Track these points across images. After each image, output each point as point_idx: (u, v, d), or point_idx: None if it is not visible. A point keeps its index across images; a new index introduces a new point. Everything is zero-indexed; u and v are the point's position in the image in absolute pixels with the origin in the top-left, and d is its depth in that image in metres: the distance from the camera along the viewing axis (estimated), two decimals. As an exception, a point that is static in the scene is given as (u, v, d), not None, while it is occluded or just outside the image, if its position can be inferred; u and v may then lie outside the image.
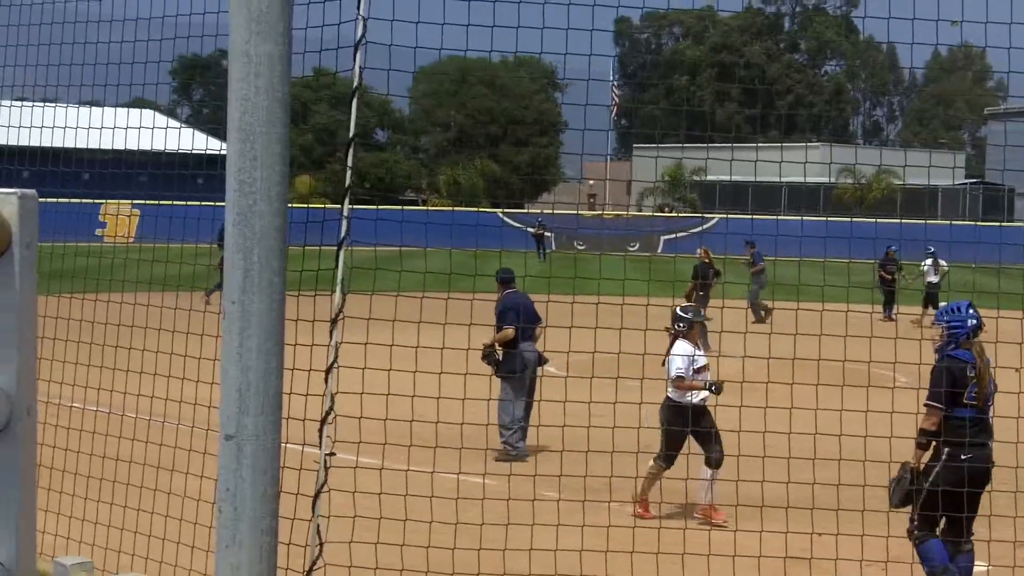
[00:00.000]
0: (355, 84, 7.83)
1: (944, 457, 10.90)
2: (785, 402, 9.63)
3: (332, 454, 7.97)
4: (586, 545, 9.72)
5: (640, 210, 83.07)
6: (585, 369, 9.88)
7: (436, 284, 10.36)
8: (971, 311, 11.23)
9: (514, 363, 17.06)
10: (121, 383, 10.68)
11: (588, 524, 9.94)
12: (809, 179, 71.46)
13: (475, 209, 69.17)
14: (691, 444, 13.40)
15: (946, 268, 36.16)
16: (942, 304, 33.37)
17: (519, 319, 17.13)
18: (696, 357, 13.99)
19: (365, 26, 7.74)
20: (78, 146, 12.08)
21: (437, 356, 9.16)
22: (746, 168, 11.70)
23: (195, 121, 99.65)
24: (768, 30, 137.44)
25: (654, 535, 9.97)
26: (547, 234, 66.56)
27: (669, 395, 13.77)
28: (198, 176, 13.40)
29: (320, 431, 7.85)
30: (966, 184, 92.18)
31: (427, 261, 9.87)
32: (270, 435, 4.27)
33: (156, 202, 12.86)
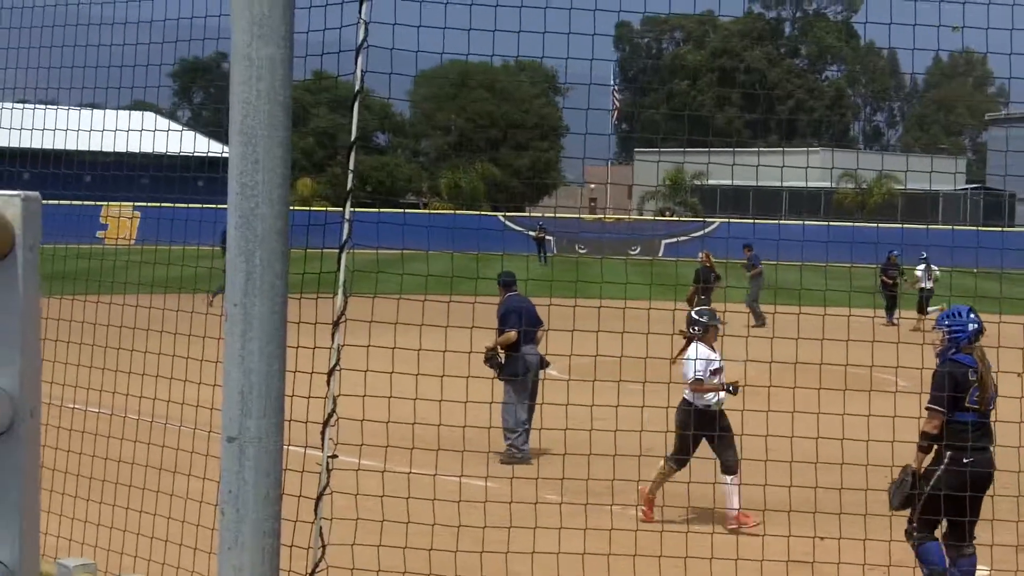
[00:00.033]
0: (357, 88, 7.83)
1: (946, 461, 10.90)
2: (787, 406, 9.62)
3: (334, 456, 7.96)
4: (588, 548, 9.72)
5: (641, 214, 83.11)
6: (587, 372, 9.87)
7: (438, 287, 10.37)
8: (972, 315, 11.23)
9: (516, 366, 17.06)
10: (123, 385, 10.68)
11: (590, 527, 9.94)
12: (810, 184, 71.51)
13: (477, 212, 69.24)
14: (703, 448, 13.40)
15: (938, 273, 36.26)
16: (931, 309, 33.11)
17: (521, 322, 17.14)
18: (712, 360, 14.01)
19: (367, 30, 7.74)
20: (79, 148, 12.07)
21: (439, 359, 9.16)
22: (747, 172, 11.68)
23: (195, 124, 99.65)
24: (769, 35, 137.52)
25: (656, 538, 9.97)
26: (548, 238, 66.62)
27: (686, 398, 13.78)
28: (199, 179, 13.40)
29: (322, 433, 7.84)
30: (967, 189, 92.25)
31: (429, 264, 9.85)
32: (272, 437, 4.27)
33: (157, 204, 12.85)
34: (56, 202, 11.73)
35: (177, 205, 12.56)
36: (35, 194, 2.92)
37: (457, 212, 67.12)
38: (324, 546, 7.88)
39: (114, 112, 12.15)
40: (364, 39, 7.69)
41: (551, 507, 10.39)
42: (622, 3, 9.46)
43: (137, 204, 17.49)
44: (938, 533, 11.21)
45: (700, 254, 33.62)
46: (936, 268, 36.38)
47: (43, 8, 10.80)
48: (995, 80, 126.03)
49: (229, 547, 4.26)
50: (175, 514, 9.76)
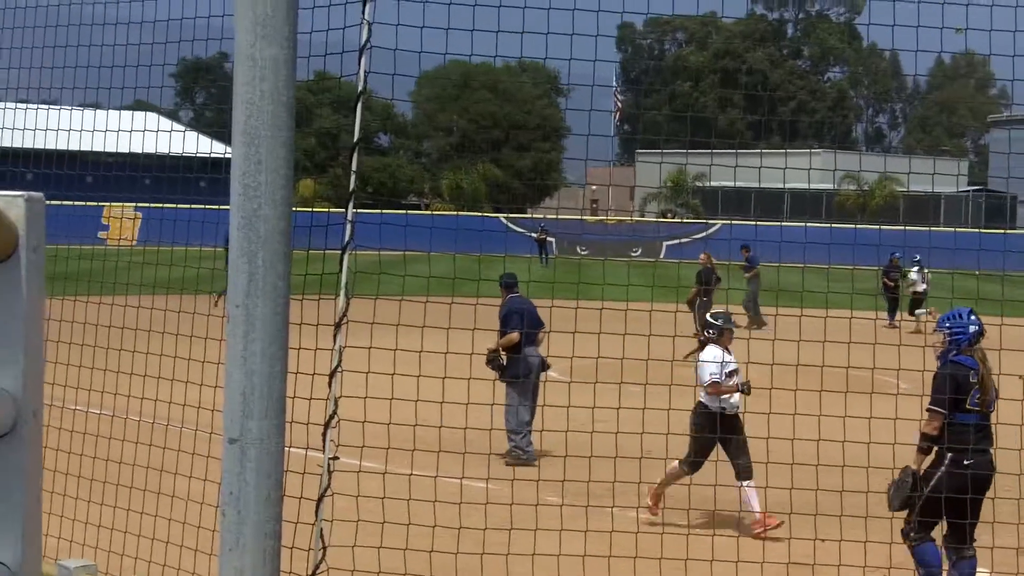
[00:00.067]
0: (360, 88, 7.83)
1: (947, 463, 10.89)
2: (788, 408, 9.62)
3: (335, 458, 7.96)
4: (589, 550, 9.71)
5: (643, 216, 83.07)
6: (588, 374, 9.87)
7: (440, 288, 10.36)
8: (972, 317, 11.23)
9: (518, 367, 17.06)
10: (124, 386, 10.68)
11: (591, 529, 9.93)
12: (812, 185, 71.48)
13: (479, 214, 69.20)
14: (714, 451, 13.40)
15: (929, 276, 36.35)
16: (918, 311, 32.88)
17: (523, 324, 17.14)
18: (727, 362, 13.98)
19: (370, 30, 7.74)
20: (81, 149, 12.07)
21: (440, 360, 9.16)
22: (749, 174, 11.68)
23: (197, 124, 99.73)
24: (771, 36, 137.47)
25: (657, 540, 9.96)
26: (549, 239, 66.61)
27: (702, 400, 13.77)
28: (201, 179, 13.40)
29: (323, 435, 7.84)
30: (969, 191, 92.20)
31: (431, 265, 9.85)
32: (274, 439, 4.26)
33: (160, 205, 12.85)
34: (58, 202, 11.73)
35: (179, 206, 12.57)
36: (39, 195, 2.92)
37: (459, 213, 67.11)
38: (325, 548, 7.88)
39: (116, 112, 12.16)
40: (367, 40, 7.69)
41: (552, 509, 10.40)
42: (625, 4, 9.48)
43: (139, 205, 17.49)
44: (935, 534, 11.20)
45: (701, 255, 33.61)
46: (927, 270, 36.49)
47: (46, 8, 10.81)
48: (997, 82, 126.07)
49: (230, 548, 4.25)
50: (176, 515, 9.76)
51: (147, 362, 10.53)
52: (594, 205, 77.65)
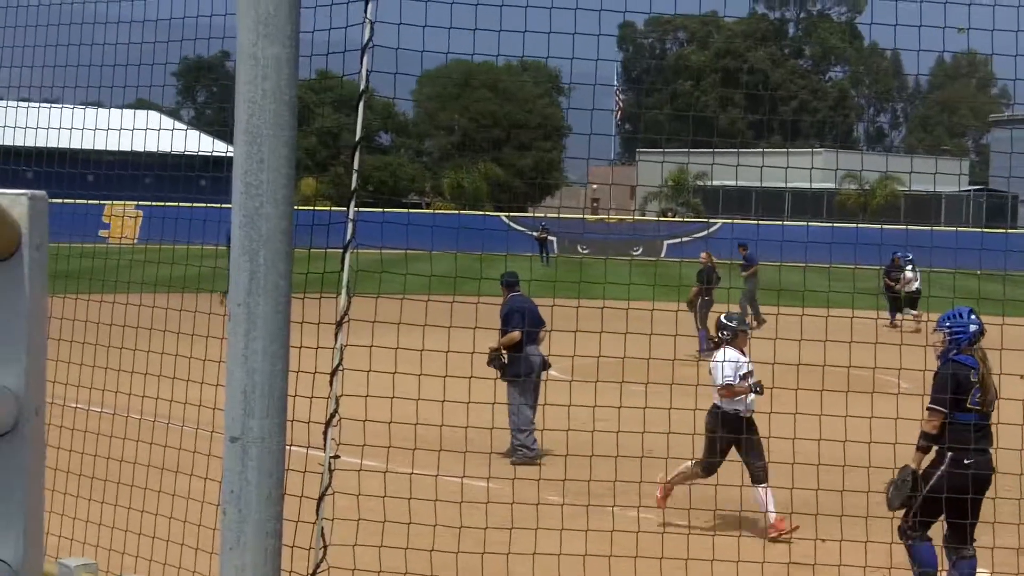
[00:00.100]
0: (362, 87, 7.83)
1: (947, 462, 10.89)
2: (789, 407, 9.63)
3: (336, 457, 7.96)
4: (590, 550, 9.72)
5: (644, 215, 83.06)
6: (589, 373, 9.87)
7: (441, 287, 10.37)
8: (972, 316, 11.23)
9: (519, 366, 17.06)
10: (125, 384, 10.68)
11: (592, 528, 9.93)
12: (813, 185, 71.47)
13: (481, 213, 69.22)
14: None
15: (919, 275, 36.48)
16: (912, 311, 32.96)
17: (524, 323, 17.15)
18: (741, 364, 13.93)
19: (372, 29, 7.74)
20: (83, 147, 12.08)
21: (442, 359, 9.16)
22: (749, 173, 11.68)
23: (198, 123, 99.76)
24: (772, 36, 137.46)
25: (657, 540, 9.97)
26: (550, 238, 66.61)
27: (716, 403, 13.74)
28: (202, 178, 13.40)
29: (325, 434, 7.84)
30: (970, 191, 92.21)
31: (432, 264, 9.86)
32: (275, 437, 4.26)
33: (161, 203, 12.85)
34: (60, 201, 11.73)
35: (181, 204, 12.57)
36: (42, 193, 2.92)
37: (461, 212, 67.12)
38: (326, 546, 7.88)
39: (119, 111, 12.16)
40: (370, 39, 7.69)
41: (553, 508, 10.40)
42: (626, 3, 9.47)
43: (140, 203, 17.50)
44: (936, 534, 11.20)
45: (702, 254, 33.59)
46: (918, 270, 36.61)
47: (48, 7, 10.81)
48: (998, 81, 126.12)
49: (231, 547, 4.25)
50: (177, 514, 9.77)
51: (148, 360, 10.53)
52: (595, 204, 77.68)
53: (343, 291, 7.83)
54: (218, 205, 9.40)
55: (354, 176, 7.97)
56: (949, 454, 10.88)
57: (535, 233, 65.51)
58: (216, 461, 5.01)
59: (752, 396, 13.70)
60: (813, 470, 9.72)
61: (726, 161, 11.90)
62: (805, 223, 11.68)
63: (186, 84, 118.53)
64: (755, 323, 31.34)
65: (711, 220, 69.79)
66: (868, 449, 9.58)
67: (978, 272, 11.32)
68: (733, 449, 13.50)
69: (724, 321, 14.48)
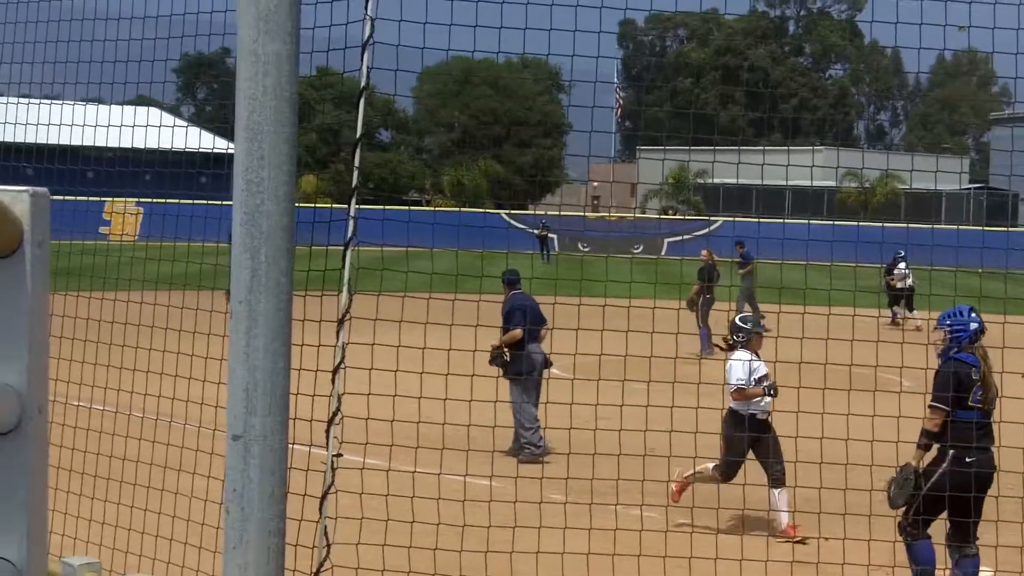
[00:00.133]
0: (362, 84, 7.81)
1: (949, 460, 10.88)
2: (791, 406, 9.62)
3: (339, 455, 7.95)
4: (592, 548, 9.70)
5: (644, 212, 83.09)
6: (591, 371, 9.86)
7: (443, 285, 10.36)
8: (973, 315, 11.22)
9: (521, 364, 17.06)
10: (127, 382, 10.67)
11: (594, 527, 9.92)
12: (813, 183, 71.50)
13: (482, 210, 69.25)
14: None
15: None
16: (901, 311, 32.85)
17: (526, 320, 17.15)
18: (756, 367, 13.79)
19: (373, 26, 7.72)
20: (84, 144, 12.06)
21: (444, 357, 9.15)
22: (750, 171, 11.66)
23: (198, 119, 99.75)
24: (773, 33, 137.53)
25: (661, 538, 9.95)
26: (550, 236, 66.61)
27: (732, 406, 13.70)
28: (202, 174, 13.39)
29: (327, 432, 7.83)
30: (970, 189, 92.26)
31: (433, 262, 9.84)
32: (277, 436, 4.25)
33: (163, 200, 12.84)
34: (60, 198, 11.71)
35: (182, 201, 12.55)
36: (43, 190, 2.90)
37: (462, 210, 67.14)
38: (329, 545, 7.87)
39: (119, 107, 12.15)
40: (370, 35, 7.67)
41: (555, 507, 10.38)
42: (627, 1, 9.46)
43: (141, 200, 17.50)
44: (938, 533, 11.19)
45: (703, 252, 33.58)
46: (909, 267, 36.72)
47: (48, 3, 10.80)
48: (999, 79, 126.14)
49: (234, 546, 4.24)
50: (180, 513, 9.76)
51: (150, 358, 10.52)
52: (595, 202, 77.71)
53: (344, 289, 7.81)
54: (219, 202, 9.39)
55: (355, 173, 7.96)
56: (951, 452, 10.86)
57: (535, 231, 65.53)
58: (219, 459, 4.99)
59: (768, 398, 13.61)
60: (815, 468, 9.71)
61: (727, 159, 11.88)
62: (806, 221, 11.67)
63: (186, 80, 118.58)
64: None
65: (712, 218, 69.83)
66: (871, 447, 9.56)
67: (979, 270, 11.31)
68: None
69: (739, 323, 14.31)
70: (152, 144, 12.30)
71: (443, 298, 9.54)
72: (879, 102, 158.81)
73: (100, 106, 12.25)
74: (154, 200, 14.74)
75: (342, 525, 8.56)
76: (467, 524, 9.56)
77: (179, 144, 12.49)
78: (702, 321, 29.55)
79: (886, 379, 11.46)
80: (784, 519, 13.41)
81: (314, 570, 7.84)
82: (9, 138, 12.12)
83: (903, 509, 11.12)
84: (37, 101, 11.85)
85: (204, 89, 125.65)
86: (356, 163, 7.97)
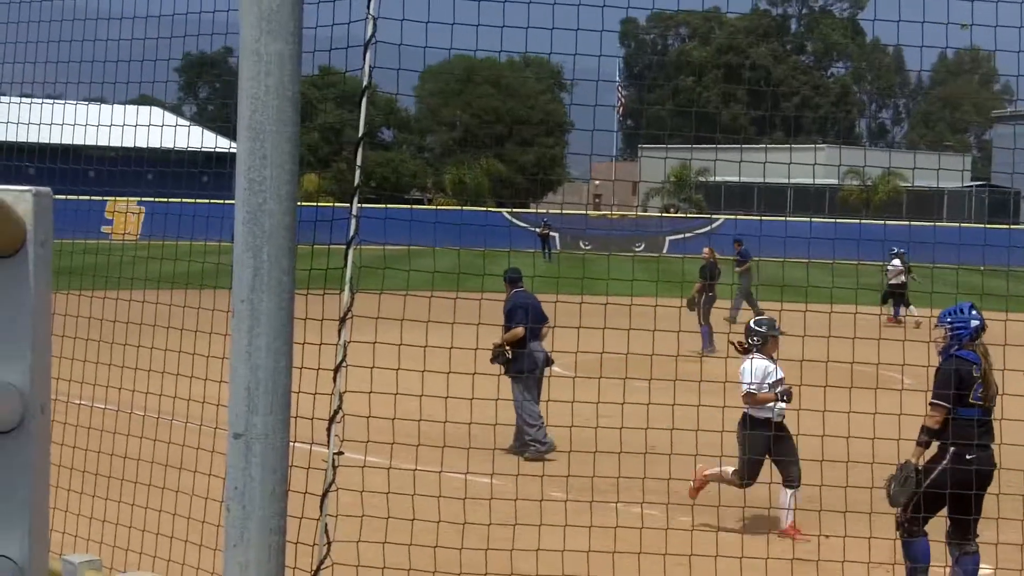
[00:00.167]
0: (365, 83, 7.82)
1: (950, 457, 10.89)
2: (793, 403, 9.62)
3: (340, 453, 7.95)
4: (593, 546, 9.71)
5: (646, 211, 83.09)
6: (593, 369, 9.86)
7: (444, 283, 10.36)
8: (973, 312, 11.23)
9: (523, 362, 17.08)
10: (129, 381, 10.68)
11: (595, 525, 9.93)
12: (815, 181, 71.48)
13: (483, 209, 69.25)
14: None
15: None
16: (900, 308, 32.96)
17: (528, 318, 17.16)
18: (770, 371, 13.69)
19: (375, 25, 7.73)
20: (86, 143, 12.07)
21: (445, 355, 9.15)
22: (752, 169, 11.67)
23: (200, 118, 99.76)
24: (775, 32, 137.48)
25: (661, 536, 9.97)
26: (552, 234, 66.62)
27: (745, 411, 13.61)
28: (204, 174, 13.40)
29: (328, 430, 7.84)
30: (972, 187, 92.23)
31: (435, 260, 9.85)
32: (279, 434, 4.26)
33: (165, 199, 12.85)
34: (63, 197, 11.72)
35: (184, 200, 12.57)
36: (46, 190, 2.92)
37: (464, 208, 67.14)
38: (329, 543, 7.88)
39: (122, 107, 12.16)
40: (372, 34, 7.68)
41: (556, 504, 10.39)
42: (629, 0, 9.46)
43: (143, 199, 17.51)
44: (938, 531, 11.19)
45: (704, 250, 33.59)
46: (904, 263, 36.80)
47: (51, 2, 10.81)
48: (1001, 77, 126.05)
49: (235, 544, 4.25)
50: (181, 510, 9.76)
51: (151, 356, 10.53)
52: (597, 200, 77.69)
53: (346, 287, 7.82)
54: (221, 201, 9.40)
55: (357, 172, 7.96)
56: (951, 449, 10.87)
57: (537, 229, 65.54)
58: (220, 458, 5.01)
59: (782, 404, 13.50)
60: (816, 466, 9.72)
61: (728, 157, 11.88)
62: (808, 219, 11.67)
63: (188, 80, 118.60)
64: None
65: (714, 216, 69.80)
66: (872, 445, 9.57)
67: (981, 268, 11.32)
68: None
69: (754, 327, 14.15)
70: (154, 143, 12.31)
71: (445, 296, 9.55)
72: (881, 100, 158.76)
73: (102, 105, 12.25)
74: (156, 199, 14.77)
75: (343, 523, 8.57)
76: (468, 522, 9.57)
77: (181, 143, 12.50)
78: (703, 319, 29.57)
79: (887, 376, 11.46)
80: (787, 518, 13.40)
81: (315, 568, 7.85)
82: (11, 137, 12.13)
83: (904, 506, 11.13)
84: (39, 101, 11.86)
85: (206, 88, 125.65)
86: (358, 162, 7.97)
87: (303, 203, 4.84)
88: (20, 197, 2.86)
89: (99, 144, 12.29)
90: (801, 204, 72.71)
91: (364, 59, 7.71)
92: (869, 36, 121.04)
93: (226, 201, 5.06)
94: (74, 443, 10.43)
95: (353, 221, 7.78)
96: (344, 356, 7.73)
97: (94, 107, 11.87)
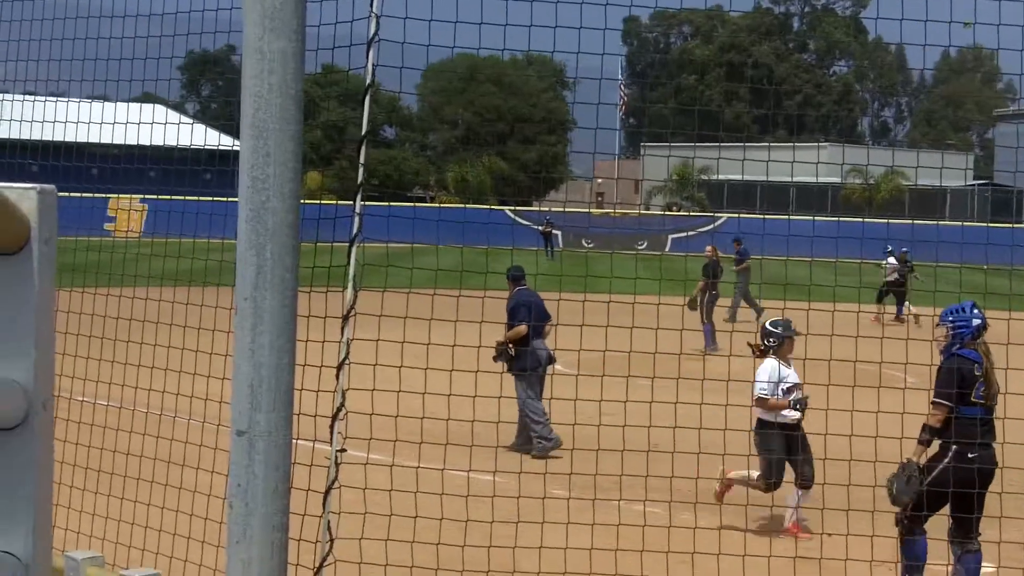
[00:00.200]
0: (368, 82, 7.82)
1: (952, 456, 10.89)
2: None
3: (343, 450, 7.95)
4: (595, 544, 9.71)
5: (648, 209, 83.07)
6: (595, 367, 9.87)
7: (447, 281, 10.36)
8: (975, 311, 11.24)
9: (526, 360, 17.09)
10: (132, 378, 10.68)
11: (598, 523, 9.93)
12: (818, 179, 71.39)
13: (486, 207, 69.26)
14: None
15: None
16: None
17: (531, 316, 17.18)
18: (785, 376, 13.51)
19: (378, 23, 7.73)
20: (89, 141, 12.08)
21: (448, 353, 9.16)
22: (754, 167, 11.67)
23: (203, 116, 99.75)
24: (777, 30, 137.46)
25: (664, 534, 9.97)
26: (555, 232, 66.64)
27: (758, 416, 13.49)
28: (207, 171, 13.40)
29: (331, 427, 7.84)
30: (974, 185, 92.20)
31: (438, 258, 9.85)
32: (282, 431, 4.27)
33: (168, 197, 12.85)
34: (65, 194, 11.71)
35: (187, 198, 12.57)
36: (51, 187, 2.92)
37: (467, 207, 67.16)
38: (332, 540, 7.88)
39: (125, 105, 12.17)
40: (376, 32, 7.68)
41: (559, 502, 10.38)
42: (632, -3, 9.47)
43: (145, 197, 17.52)
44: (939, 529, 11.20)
45: (707, 248, 33.61)
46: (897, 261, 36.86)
47: (54, 1, 10.81)
48: (1003, 76, 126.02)
49: (237, 541, 4.26)
50: (183, 508, 9.77)
51: (154, 353, 10.53)
52: (599, 198, 77.68)
53: (349, 285, 7.82)
54: (223, 199, 9.41)
55: (360, 170, 7.96)
56: (953, 448, 10.88)
57: (540, 227, 65.55)
58: (223, 455, 5.01)
59: (795, 413, 13.34)
60: (819, 464, 9.72)
61: (731, 155, 11.89)
62: (811, 218, 11.68)
63: (191, 78, 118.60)
64: (757, 316, 31.33)
65: (716, 214, 69.81)
66: (874, 444, 9.57)
67: (984, 266, 11.32)
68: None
69: (770, 328, 13.88)
70: (157, 141, 12.31)
71: (448, 294, 9.55)
72: (883, 98, 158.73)
73: (105, 103, 12.27)
74: (159, 197, 14.77)
75: (345, 520, 8.57)
76: (470, 519, 9.57)
77: (184, 141, 12.50)
78: (706, 317, 29.59)
79: (890, 375, 11.46)
80: (791, 517, 13.40)
81: (317, 565, 7.85)
82: (15, 135, 12.14)
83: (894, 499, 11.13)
84: (42, 98, 11.87)
85: (208, 86, 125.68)
86: (361, 160, 7.97)
87: (306, 201, 4.84)
88: (25, 195, 2.86)
89: (102, 142, 12.30)
90: (804, 202, 72.69)
91: (367, 57, 7.71)
92: (872, 34, 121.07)
93: (229, 199, 5.06)
94: (76, 440, 10.43)
95: (356, 219, 7.78)
96: (347, 353, 7.73)
97: (97, 105, 11.88)
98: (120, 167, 13.02)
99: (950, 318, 11.31)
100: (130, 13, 10.78)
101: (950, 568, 11.22)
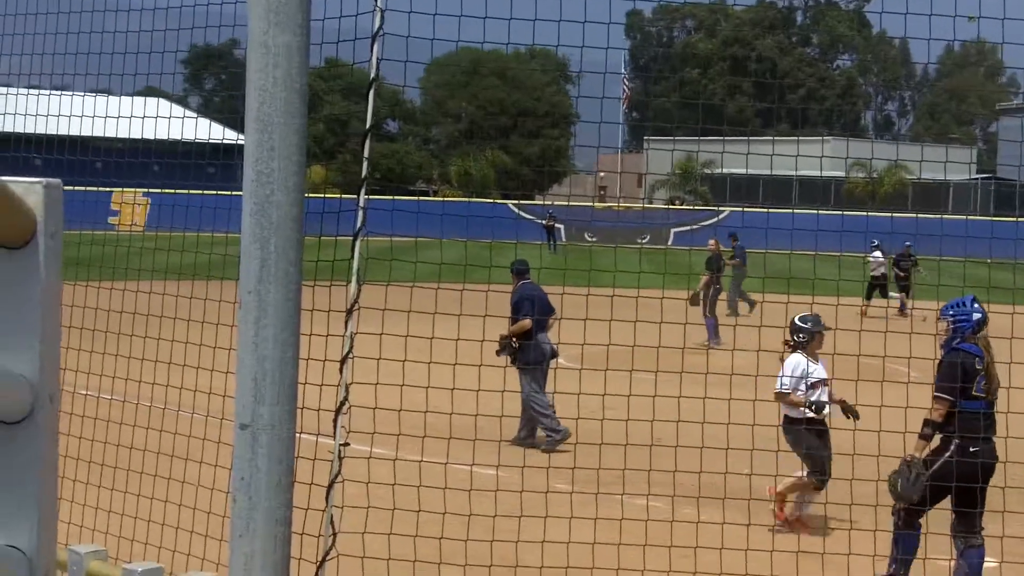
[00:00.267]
0: (372, 75, 7.82)
1: (954, 450, 10.89)
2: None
3: (346, 444, 7.96)
4: (598, 538, 9.72)
5: (651, 203, 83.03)
6: (599, 361, 9.87)
7: (451, 275, 10.36)
8: (976, 305, 11.24)
9: (530, 354, 17.10)
10: (135, 372, 10.69)
11: (601, 517, 9.94)
12: (822, 173, 71.39)
13: (490, 200, 69.23)
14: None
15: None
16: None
17: (534, 310, 17.19)
18: (811, 371, 13.48)
19: (383, 17, 7.73)
20: (93, 134, 12.09)
21: (452, 347, 9.16)
22: (758, 161, 11.67)
23: (206, 110, 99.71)
24: (780, 24, 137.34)
25: (666, 528, 9.97)
26: (558, 226, 66.63)
27: (784, 412, 13.44)
28: (211, 165, 13.39)
29: (335, 421, 7.85)
30: (978, 179, 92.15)
31: (442, 252, 9.85)
32: (285, 425, 4.27)
33: (172, 191, 12.86)
34: (69, 188, 11.71)
35: (190, 192, 12.58)
36: (56, 181, 2.92)
37: (471, 200, 67.14)
38: (335, 534, 7.89)
39: (129, 98, 12.16)
40: (380, 26, 7.68)
41: (562, 496, 10.40)
42: (635, -8, 9.46)
43: (149, 191, 17.52)
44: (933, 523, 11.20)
45: (710, 241, 33.61)
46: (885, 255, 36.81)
47: (58, -6, 10.82)
48: (1007, 70, 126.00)
49: (240, 534, 4.26)
50: (187, 501, 9.78)
51: (158, 347, 10.54)
52: (602, 192, 77.65)
53: (353, 279, 7.83)
54: (227, 192, 9.41)
55: (364, 164, 7.97)
56: (955, 442, 10.88)
57: (543, 221, 65.55)
58: (226, 448, 5.02)
59: (822, 397, 13.24)
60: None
61: (734, 149, 11.89)
62: (815, 211, 11.68)
63: (194, 72, 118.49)
64: (749, 310, 31.32)
65: (720, 208, 69.79)
66: (878, 438, 9.58)
67: (988, 260, 11.32)
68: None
69: (799, 323, 13.70)
70: (161, 135, 12.30)
71: (451, 288, 9.55)
72: (887, 92, 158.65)
73: (109, 97, 12.27)
74: (163, 191, 14.78)
75: (348, 514, 8.58)
76: (473, 513, 9.58)
77: (187, 135, 12.51)
78: (709, 311, 29.60)
79: (894, 369, 11.46)
80: (797, 510, 13.40)
81: (320, 558, 7.86)
82: (19, 129, 12.15)
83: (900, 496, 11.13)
84: (46, 92, 11.87)
85: (212, 80, 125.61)
86: (366, 154, 7.98)
87: (309, 195, 4.84)
88: (30, 189, 2.86)
89: (106, 135, 12.30)
90: (807, 196, 72.65)
91: (372, 51, 7.71)
92: (875, 28, 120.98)
93: (233, 192, 5.06)
94: (80, 433, 10.44)
95: (360, 212, 7.79)
96: (351, 347, 7.74)
97: (101, 99, 11.88)
98: (124, 161, 13.02)
99: (951, 312, 11.32)
100: (134, 7, 10.79)
101: (953, 563, 11.22)
